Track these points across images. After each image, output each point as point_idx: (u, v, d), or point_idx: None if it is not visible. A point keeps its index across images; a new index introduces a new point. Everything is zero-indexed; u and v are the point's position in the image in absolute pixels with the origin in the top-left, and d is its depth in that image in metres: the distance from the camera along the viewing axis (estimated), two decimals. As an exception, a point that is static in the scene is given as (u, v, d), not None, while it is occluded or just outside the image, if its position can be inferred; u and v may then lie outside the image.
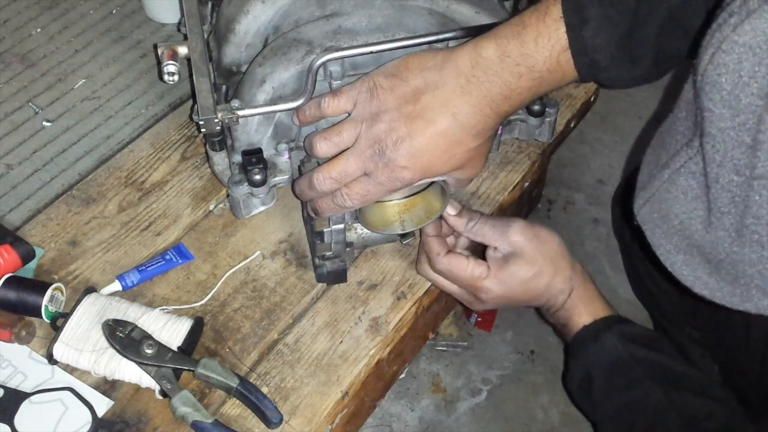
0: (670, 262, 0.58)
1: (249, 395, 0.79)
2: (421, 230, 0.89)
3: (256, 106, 0.87)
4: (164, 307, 0.88)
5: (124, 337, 0.81)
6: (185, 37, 0.94)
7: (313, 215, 0.84)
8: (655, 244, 0.59)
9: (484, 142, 0.77)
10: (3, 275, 0.86)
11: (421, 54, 0.76)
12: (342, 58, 0.84)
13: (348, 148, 0.77)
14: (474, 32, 0.88)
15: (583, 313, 0.86)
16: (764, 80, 0.47)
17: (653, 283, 1.04)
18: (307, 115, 0.83)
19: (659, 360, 0.82)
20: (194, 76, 0.88)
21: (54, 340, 0.82)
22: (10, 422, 0.79)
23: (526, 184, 1.04)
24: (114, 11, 1.24)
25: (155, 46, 1.04)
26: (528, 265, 0.85)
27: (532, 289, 0.86)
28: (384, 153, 0.75)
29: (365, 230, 0.89)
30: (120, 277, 0.90)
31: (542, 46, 0.71)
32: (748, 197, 0.50)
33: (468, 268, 0.85)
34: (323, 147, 0.78)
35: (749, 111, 0.48)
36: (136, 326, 0.82)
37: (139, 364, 0.80)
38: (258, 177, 0.89)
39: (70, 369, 0.83)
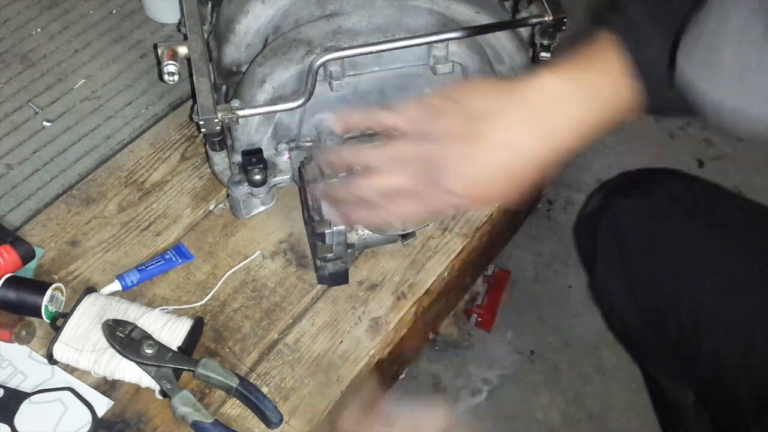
0: (721, 108, 0.55)
1: (249, 395, 0.79)
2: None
3: (256, 106, 0.87)
4: (164, 307, 0.88)
5: (124, 337, 0.81)
6: (185, 37, 0.94)
7: (339, 223, 0.80)
8: (702, 95, 0.56)
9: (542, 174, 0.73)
10: (3, 275, 0.86)
11: (482, 81, 0.75)
12: (342, 58, 0.84)
13: (397, 163, 0.73)
14: (474, 32, 0.89)
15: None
16: None
17: (621, 316, 1.02)
18: (350, 123, 0.79)
19: None
20: (194, 76, 0.88)
21: (54, 340, 0.82)
22: (10, 422, 0.79)
23: (526, 184, 1.04)
24: (114, 11, 1.24)
25: (155, 46, 1.04)
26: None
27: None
28: (437, 175, 0.70)
29: (366, 231, 0.89)
30: (120, 277, 0.90)
31: (606, 79, 0.70)
32: None
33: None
34: (373, 156, 0.73)
35: None
36: (136, 326, 0.82)
37: (139, 364, 0.80)
38: (258, 177, 0.89)
39: (70, 369, 0.83)
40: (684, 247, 0.82)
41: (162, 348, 0.81)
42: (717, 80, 0.57)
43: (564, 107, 0.71)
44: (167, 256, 0.93)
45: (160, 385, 0.80)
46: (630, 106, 0.71)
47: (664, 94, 0.69)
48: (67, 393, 0.81)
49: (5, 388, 0.81)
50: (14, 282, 0.86)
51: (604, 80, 0.70)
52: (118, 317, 0.83)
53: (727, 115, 0.57)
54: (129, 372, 0.81)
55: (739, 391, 0.85)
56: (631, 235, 0.88)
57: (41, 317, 0.85)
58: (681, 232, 0.84)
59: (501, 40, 0.94)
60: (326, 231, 0.83)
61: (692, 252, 0.81)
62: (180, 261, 0.92)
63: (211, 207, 0.99)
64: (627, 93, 0.70)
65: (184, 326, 0.84)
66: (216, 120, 0.85)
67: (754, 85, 0.55)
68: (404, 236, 0.91)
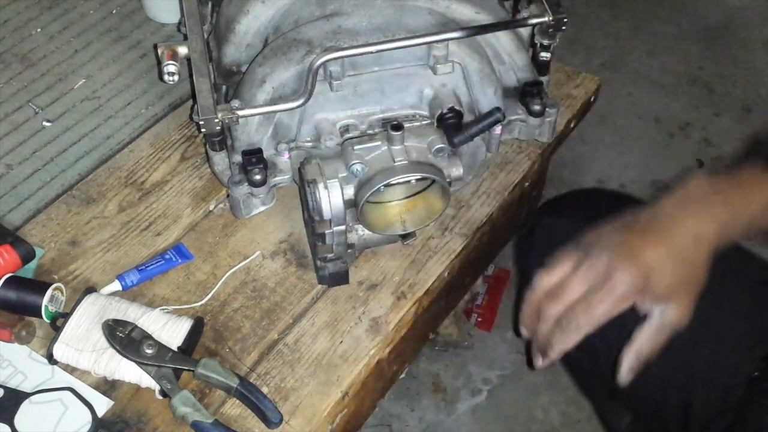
0: None
1: (249, 395, 0.79)
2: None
3: (256, 106, 0.87)
4: (164, 307, 0.88)
5: (124, 337, 0.81)
6: (185, 37, 0.94)
7: (540, 360, 0.79)
8: None
9: (703, 266, 0.75)
10: (3, 275, 0.86)
11: (597, 230, 0.77)
12: (342, 57, 0.84)
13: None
14: (474, 32, 0.89)
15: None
16: None
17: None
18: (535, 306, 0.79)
19: None
20: (194, 76, 0.88)
21: (54, 340, 0.82)
22: (10, 422, 0.79)
23: (526, 184, 1.04)
24: (114, 11, 1.24)
25: (155, 46, 1.04)
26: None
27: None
28: (605, 264, 0.74)
29: (366, 231, 0.89)
30: (120, 277, 0.90)
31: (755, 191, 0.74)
32: None
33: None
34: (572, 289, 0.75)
35: None
36: (136, 326, 0.82)
37: (139, 364, 0.80)
38: (258, 177, 0.89)
39: (70, 369, 0.83)
40: None
41: (162, 348, 0.81)
42: None
43: (722, 198, 0.74)
44: (167, 256, 0.93)
45: (160, 385, 0.80)
46: None
47: None
48: (67, 393, 0.81)
49: (5, 388, 0.81)
50: (14, 282, 0.86)
51: (756, 191, 0.74)
52: (118, 317, 0.83)
53: None
54: (129, 372, 0.81)
55: (669, 413, 0.86)
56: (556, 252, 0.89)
57: (41, 317, 0.85)
58: None
59: (501, 40, 0.94)
60: (326, 231, 0.83)
61: None
62: (180, 261, 0.93)
63: (211, 207, 0.99)
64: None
65: (184, 326, 0.84)
66: (216, 120, 0.86)
67: None
68: (404, 236, 0.92)
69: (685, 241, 0.74)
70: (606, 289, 0.73)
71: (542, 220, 0.96)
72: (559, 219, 0.94)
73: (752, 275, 0.86)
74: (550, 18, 0.92)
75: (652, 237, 0.74)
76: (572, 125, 1.11)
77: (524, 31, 0.99)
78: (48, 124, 1.08)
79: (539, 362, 0.78)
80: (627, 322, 0.76)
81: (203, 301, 0.90)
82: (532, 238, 0.95)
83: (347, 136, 0.87)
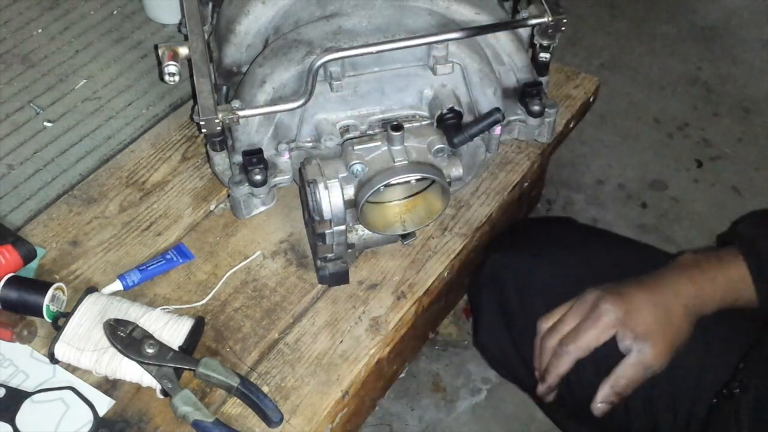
0: None
1: (250, 394, 0.80)
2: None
3: (256, 107, 0.87)
4: (165, 306, 0.89)
5: (125, 337, 0.81)
6: (186, 38, 0.95)
7: (546, 393, 0.89)
8: None
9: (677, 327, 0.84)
10: (4, 275, 0.86)
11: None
12: (342, 58, 0.84)
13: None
14: (474, 33, 0.89)
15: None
16: None
17: (510, 370, 1.06)
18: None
19: None
20: (195, 77, 0.89)
21: (55, 339, 0.83)
22: (11, 421, 0.79)
23: (526, 184, 1.04)
24: (115, 12, 1.24)
25: (156, 47, 1.04)
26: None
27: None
28: (594, 298, 0.86)
29: (366, 231, 0.89)
30: (121, 277, 0.90)
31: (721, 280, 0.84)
32: None
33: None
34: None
35: None
36: (137, 326, 0.82)
37: (141, 363, 0.80)
38: (258, 177, 0.89)
39: (71, 368, 0.84)
40: (556, 290, 0.91)
41: (163, 347, 0.81)
42: None
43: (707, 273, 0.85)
44: (168, 256, 0.93)
45: (161, 384, 0.80)
46: (748, 299, 0.84)
47: None
48: (69, 392, 0.81)
49: (7, 387, 0.82)
50: (16, 282, 0.86)
51: (731, 270, 0.84)
52: (120, 317, 0.83)
53: None
54: (130, 371, 0.81)
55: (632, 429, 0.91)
56: (508, 286, 0.97)
57: (43, 317, 0.85)
58: (552, 274, 0.94)
59: (500, 40, 0.94)
60: (326, 231, 0.84)
61: (565, 291, 0.89)
62: (181, 261, 0.93)
63: (212, 207, 0.99)
64: (745, 287, 0.84)
65: (185, 326, 0.84)
66: (217, 120, 0.86)
67: None
68: (404, 236, 0.92)
69: (665, 292, 0.84)
70: (592, 318, 0.84)
71: (491, 257, 0.99)
72: (507, 253, 0.98)
73: None
74: (550, 18, 0.92)
75: (637, 285, 0.85)
76: (571, 125, 1.11)
77: (524, 32, 0.99)
78: (49, 124, 1.08)
79: (540, 388, 0.88)
80: (602, 355, 0.84)
81: (204, 301, 0.90)
82: (481, 274, 0.99)
83: (347, 136, 0.87)
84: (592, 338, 0.84)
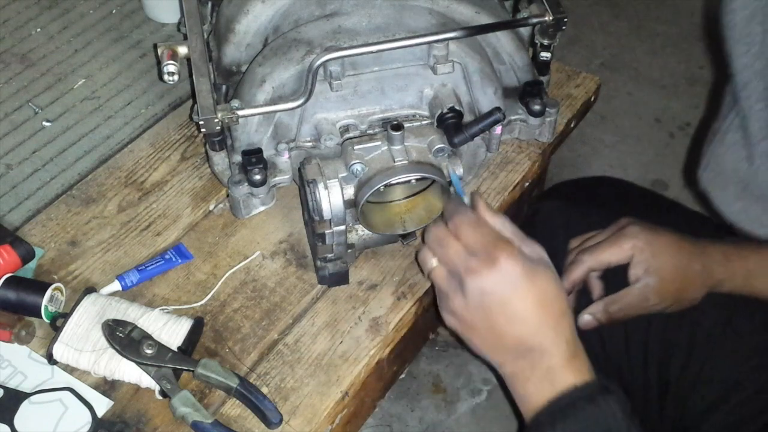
0: (730, 213, 0.68)
1: (249, 395, 0.79)
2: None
3: (255, 106, 0.87)
4: (164, 307, 0.88)
5: (123, 337, 0.81)
6: (185, 37, 0.94)
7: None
8: (715, 202, 0.69)
9: None
10: (3, 275, 0.86)
11: None
12: (342, 57, 0.84)
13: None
14: (474, 32, 0.89)
15: (574, 370, 0.74)
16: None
17: None
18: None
19: None
20: (194, 76, 0.88)
21: (54, 340, 0.82)
22: (9, 422, 0.79)
23: (526, 184, 1.04)
24: (114, 11, 1.24)
25: (155, 46, 1.04)
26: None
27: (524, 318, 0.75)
28: (626, 222, 0.90)
29: (366, 231, 0.89)
30: (120, 277, 0.90)
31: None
32: None
33: (499, 222, 0.78)
34: None
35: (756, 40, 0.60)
36: (136, 326, 0.82)
37: (139, 364, 0.80)
38: (258, 177, 0.89)
39: (69, 369, 0.83)
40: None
41: (162, 348, 0.81)
42: (724, 193, 0.69)
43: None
44: (167, 256, 0.93)
45: (159, 385, 0.80)
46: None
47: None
48: (67, 393, 0.81)
49: (5, 388, 0.81)
50: (14, 282, 0.86)
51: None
52: (118, 317, 0.83)
53: (735, 220, 0.69)
54: (129, 372, 0.81)
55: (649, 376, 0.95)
56: (557, 233, 0.98)
57: (41, 317, 0.85)
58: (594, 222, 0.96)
59: (501, 40, 0.94)
60: (326, 231, 0.83)
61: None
62: (180, 261, 0.92)
63: (211, 207, 0.99)
64: None
65: (183, 326, 0.84)
66: (216, 120, 0.85)
67: (750, 200, 0.67)
68: (404, 236, 0.91)
69: (695, 249, 0.86)
70: (615, 236, 0.88)
71: (544, 204, 0.99)
72: (561, 203, 0.98)
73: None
74: (550, 18, 0.92)
75: (672, 232, 0.88)
76: (572, 125, 1.11)
77: (524, 31, 0.99)
78: (48, 123, 1.08)
79: None
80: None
81: (203, 302, 0.90)
82: (534, 221, 0.99)
83: (347, 136, 0.87)
84: (607, 253, 0.88)
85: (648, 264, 0.86)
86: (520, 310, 0.73)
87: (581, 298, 0.93)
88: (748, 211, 0.67)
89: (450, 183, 0.85)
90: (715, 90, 1.79)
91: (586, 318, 0.89)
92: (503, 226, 0.78)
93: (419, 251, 0.82)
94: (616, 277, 0.90)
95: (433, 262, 0.78)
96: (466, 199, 0.82)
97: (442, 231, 0.78)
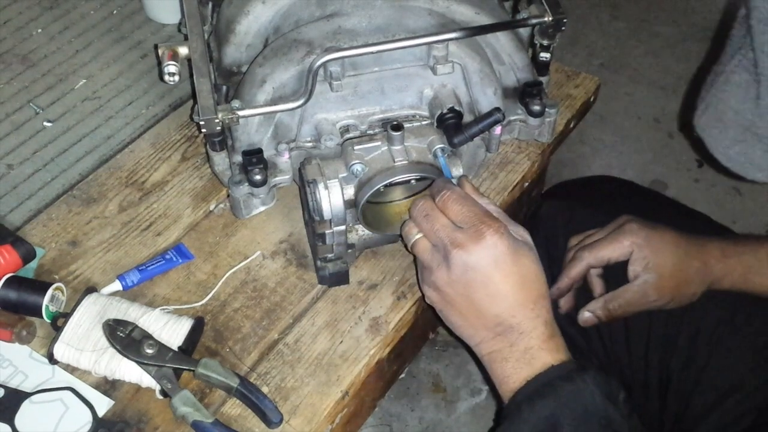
0: (727, 157, 0.66)
1: (249, 395, 0.80)
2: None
3: (256, 107, 0.87)
4: (165, 306, 0.88)
5: (124, 337, 0.81)
6: (186, 38, 0.95)
7: (556, 296, 0.93)
8: (712, 145, 0.67)
9: None
10: (4, 275, 0.86)
11: None
12: (342, 58, 0.84)
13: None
14: (474, 32, 0.89)
15: (551, 350, 0.75)
16: None
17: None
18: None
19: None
20: (195, 77, 0.89)
21: (54, 339, 0.83)
22: (10, 422, 0.79)
23: (526, 184, 1.04)
24: (115, 12, 1.24)
25: (156, 47, 1.04)
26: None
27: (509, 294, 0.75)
28: (625, 219, 0.91)
29: (366, 231, 0.89)
30: (120, 277, 0.90)
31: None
32: None
33: (485, 201, 0.78)
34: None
35: None
36: (136, 326, 0.82)
37: (140, 363, 0.80)
38: (258, 177, 0.89)
39: (70, 369, 0.83)
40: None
41: (162, 348, 0.81)
42: (722, 136, 0.67)
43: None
44: (168, 256, 0.93)
45: (160, 384, 0.80)
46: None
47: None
48: (68, 393, 0.81)
49: (6, 387, 0.81)
50: (15, 282, 0.86)
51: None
52: (119, 317, 0.83)
53: (732, 164, 0.67)
54: (129, 372, 0.81)
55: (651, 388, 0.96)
56: (558, 233, 1.00)
57: (42, 317, 0.85)
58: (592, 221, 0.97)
59: (501, 40, 0.94)
60: (326, 231, 0.84)
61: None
62: (180, 261, 0.93)
63: (212, 207, 0.99)
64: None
65: (184, 326, 0.84)
66: (216, 120, 0.86)
67: (751, 142, 0.65)
68: (404, 236, 0.92)
69: (694, 246, 0.87)
70: (615, 233, 0.88)
71: (544, 204, 1.00)
72: (561, 202, 0.99)
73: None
74: (550, 18, 0.92)
75: (671, 229, 0.88)
76: (572, 125, 1.11)
77: (524, 32, 0.99)
78: (49, 124, 1.08)
79: (551, 290, 0.88)
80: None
81: (203, 301, 0.90)
82: (536, 220, 1.00)
83: (347, 136, 0.87)
84: (607, 250, 0.88)
85: (647, 261, 0.86)
86: (501, 289, 0.74)
87: (581, 295, 0.94)
88: (747, 154, 0.65)
89: None
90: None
91: (586, 315, 0.90)
92: (489, 206, 0.79)
93: (403, 224, 0.82)
94: (616, 276, 0.90)
95: (417, 234, 0.79)
96: (454, 181, 0.82)
97: (428, 205, 0.78)
